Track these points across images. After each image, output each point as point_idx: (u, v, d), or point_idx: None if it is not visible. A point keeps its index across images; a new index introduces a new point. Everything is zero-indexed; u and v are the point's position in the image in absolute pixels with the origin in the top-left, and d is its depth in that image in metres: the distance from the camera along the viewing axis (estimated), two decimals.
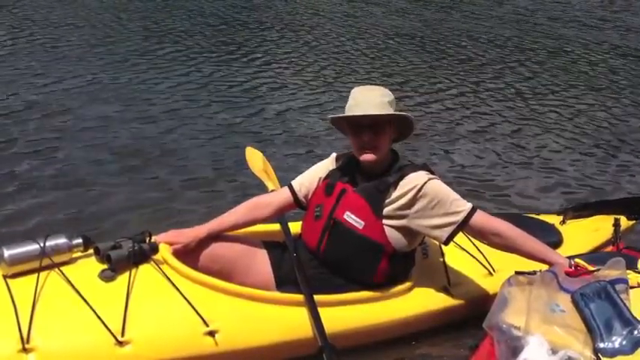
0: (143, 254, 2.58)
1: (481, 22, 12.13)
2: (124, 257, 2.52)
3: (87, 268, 2.54)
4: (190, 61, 7.93)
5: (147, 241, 2.65)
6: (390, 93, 2.72)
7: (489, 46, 10.13)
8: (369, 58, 8.89)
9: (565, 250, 3.06)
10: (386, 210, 2.63)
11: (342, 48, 9.37)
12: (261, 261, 2.82)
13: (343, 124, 2.78)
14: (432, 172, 2.71)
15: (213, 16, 10.96)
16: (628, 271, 2.37)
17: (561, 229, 3.48)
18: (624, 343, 2.09)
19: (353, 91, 2.76)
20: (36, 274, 2.42)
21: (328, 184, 2.77)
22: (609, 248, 3.33)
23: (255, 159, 3.60)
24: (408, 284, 2.80)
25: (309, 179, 2.88)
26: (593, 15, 13.49)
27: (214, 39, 9.31)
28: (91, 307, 2.34)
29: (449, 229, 2.63)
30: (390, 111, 2.66)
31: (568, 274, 2.37)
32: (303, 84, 7.42)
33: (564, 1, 14.94)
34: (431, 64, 8.80)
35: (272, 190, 3.19)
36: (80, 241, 2.60)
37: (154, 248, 2.62)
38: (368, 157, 2.66)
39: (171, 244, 2.66)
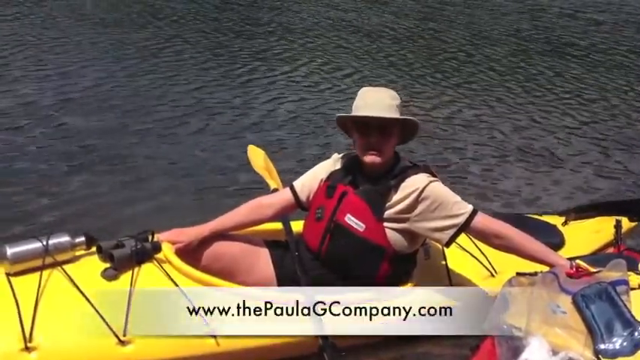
0: (146, 253, 2.58)
1: (491, 22, 12.11)
2: (126, 256, 2.52)
3: (89, 267, 2.55)
4: (192, 61, 7.93)
5: (149, 239, 2.66)
6: (397, 96, 2.71)
7: (495, 47, 10.10)
8: (374, 59, 8.88)
9: (567, 251, 3.06)
10: (387, 213, 2.63)
11: (347, 48, 9.36)
12: (263, 260, 2.82)
13: (349, 124, 2.77)
14: (433, 174, 2.70)
15: (217, 14, 10.96)
16: (629, 273, 2.37)
17: (563, 230, 3.48)
18: (625, 344, 2.09)
19: (361, 91, 2.75)
20: (39, 273, 2.43)
21: (329, 185, 2.76)
22: (611, 250, 3.33)
23: (257, 157, 3.59)
24: (409, 285, 2.80)
25: (310, 180, 2.87)
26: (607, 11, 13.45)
27: (219, 38, 9.31)
28: (93, 306, 2.35)
29: (450, 232, 2.63)
30: (398, 114, 2.66)
31: (569, 275, 2.37)
32: (306, 83, 7.41)
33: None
34: (435, 65, 8.79)
35: (274, 189, 3.18)
36: (83, 239, 2.61)
37: (157, 247, 2.62)
38: (373, 158, 2.65)
39: (173, 242, 2.67)
